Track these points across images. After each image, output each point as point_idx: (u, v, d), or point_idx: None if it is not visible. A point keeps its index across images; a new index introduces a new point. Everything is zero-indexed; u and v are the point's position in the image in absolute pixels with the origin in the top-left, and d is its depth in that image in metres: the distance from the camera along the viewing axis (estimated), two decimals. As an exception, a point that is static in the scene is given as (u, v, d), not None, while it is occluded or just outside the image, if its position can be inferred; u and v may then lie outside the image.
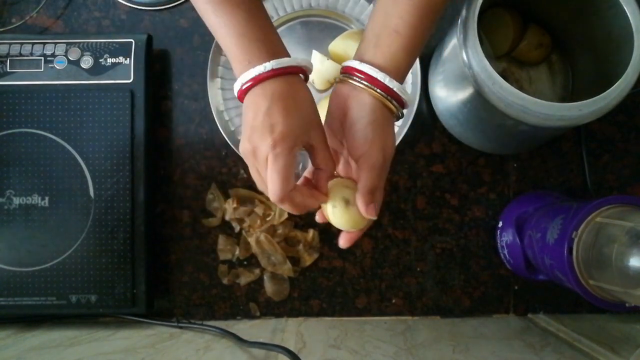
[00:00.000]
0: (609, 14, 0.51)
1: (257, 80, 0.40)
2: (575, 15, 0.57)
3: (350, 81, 0.42)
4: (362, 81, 0.41)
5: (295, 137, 0.40)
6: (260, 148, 0.40)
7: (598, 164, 0.65)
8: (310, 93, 0.43)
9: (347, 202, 0.43)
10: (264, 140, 0.39)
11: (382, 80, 0.41)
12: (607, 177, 0.65)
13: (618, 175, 0.65)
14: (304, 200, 0.42)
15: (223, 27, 0.41)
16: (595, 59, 0.58)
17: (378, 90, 0.41)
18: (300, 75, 0.43)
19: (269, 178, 0.40)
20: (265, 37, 0.42)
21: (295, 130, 0.40)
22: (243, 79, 0.41)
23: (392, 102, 0.42)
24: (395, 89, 0.41)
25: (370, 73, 0.41)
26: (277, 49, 0.42)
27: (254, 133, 0.40)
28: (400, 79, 0.42)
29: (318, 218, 0.47)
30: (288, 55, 0.42)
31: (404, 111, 0.44)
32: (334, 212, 0.44)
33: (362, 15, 0.64)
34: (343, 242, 0.46)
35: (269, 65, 0.40)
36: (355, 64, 0.42)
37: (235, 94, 0.42)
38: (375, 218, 0.43)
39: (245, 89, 0.41)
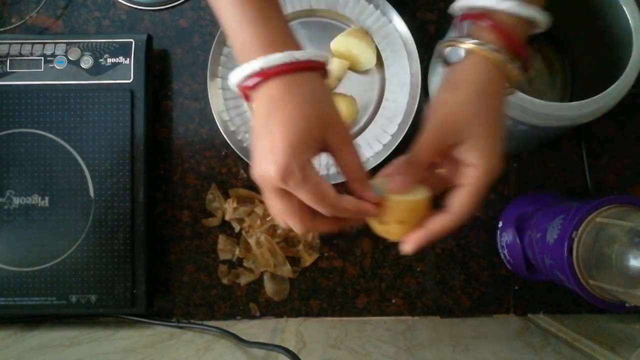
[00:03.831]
0: (609, 14, 0.51)
1: (267, 76, 0.34)
2: (575, 15, 0.57)
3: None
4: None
5: (304, 152, 0.33)
6: (266, 180, 0.34)
7: (598, 164, 0.65)
8: (325, 87, 0.36)
9: (403, 223, 0.36)
10: (268, 172, 0.34)
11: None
12: (607, 177, 0.65)
13: (618, 175, 0.65)
14: (340, 223, 0.36)
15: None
16: (595, 59, 0.58)
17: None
18: (313, 71, 0.36)
19: (284, 215, 0.35)
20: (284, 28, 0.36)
21: (302, 144, 0.33)
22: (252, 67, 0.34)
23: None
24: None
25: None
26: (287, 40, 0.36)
27: (257, 158, 0.35)
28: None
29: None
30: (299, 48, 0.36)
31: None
32: (385, 230, 0.37)
33: (362, 15, 0.64)
34: (410, 246, 0.38)
35: (283, 57, 0.34)
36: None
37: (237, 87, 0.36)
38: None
39: (253, 85, 0.34)
